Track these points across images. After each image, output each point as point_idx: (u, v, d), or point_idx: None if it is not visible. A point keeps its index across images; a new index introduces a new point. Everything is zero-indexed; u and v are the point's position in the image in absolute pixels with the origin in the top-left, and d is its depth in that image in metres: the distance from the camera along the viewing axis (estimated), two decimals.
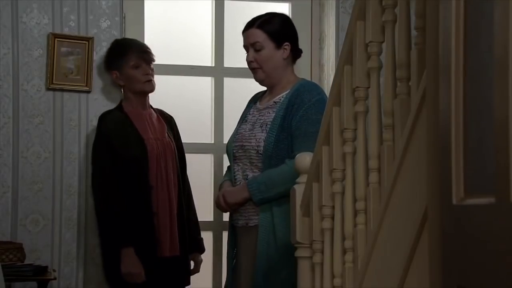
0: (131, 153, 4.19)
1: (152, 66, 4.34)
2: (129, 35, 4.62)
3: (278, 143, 3.65)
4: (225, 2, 4.85)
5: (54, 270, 4.28)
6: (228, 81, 4.84)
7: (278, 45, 3.78)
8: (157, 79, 4.57)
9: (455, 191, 1.86)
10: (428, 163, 2.20)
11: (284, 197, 3.57)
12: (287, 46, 3.81)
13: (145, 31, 4.70)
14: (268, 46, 3.77)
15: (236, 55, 4.86)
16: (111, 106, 4.52)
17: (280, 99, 3.76)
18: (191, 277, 4.41)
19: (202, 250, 4.45)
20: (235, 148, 3.80)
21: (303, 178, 3.42)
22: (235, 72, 4.86)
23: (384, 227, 2.84)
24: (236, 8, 4.88)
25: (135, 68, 4.28)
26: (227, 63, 4.84)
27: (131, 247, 4.10)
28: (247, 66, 4.87)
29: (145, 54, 4.32)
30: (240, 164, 3.78)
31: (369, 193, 2.96)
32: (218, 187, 4.02)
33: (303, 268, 3.39)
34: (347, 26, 3.18)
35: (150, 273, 4.14)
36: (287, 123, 3.66)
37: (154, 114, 4.40)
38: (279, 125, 3.66)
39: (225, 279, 4.64)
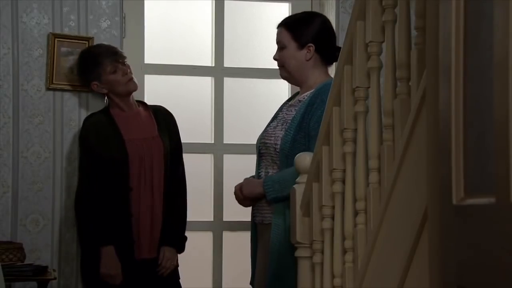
0: (110, 155, 4.16)
1: (126, 63, 4.30)
2: (129, 35, 4.62)
3: (295, 142, 3.65)
4: (225, 2, 4.85)
5: (54, 270, 4.28)
6: (228, 81, 4.85)
7: (301, 46, 3.79)
8: (157, 79, 4.58)
9: (455, 191, 1.86)
10: (428, 163, 2.20)
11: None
12: (311, 47, 3.80)
13: (145, 31, 4.70)
14: (291, 46, 3.79)
15: (236, 55, 4.87)
16: None
17: (304, 98, 3.78)
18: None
19: (177, 247, 4.31)
20: (261, 145, 3.82)
21: (303, 178, 3.43)
22: (235, 72, 4.86)
23: (384, 227, 2.84)
24: (236, 8, 4.88)
25: (113, 72, 4.25)
26: (227, 63, 4.84)
27: (111, 246, 4.09)
28: (247, 66, 4.90)
29: (116, 55, 4.29)
30: (264, 161, 3.80)
31: (369, 193, 2.96)
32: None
33: (303, 268, 3.39)
34: (347, 26, 3.18)
35: (127, 275, 4.12)
36: (305, 123, 3.66)
37: (144, 113, 4.37)
38: (297, 124, 3.67)
39: (224, 279, 4.65)
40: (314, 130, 3.62)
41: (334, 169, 3.19)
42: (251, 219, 3.89)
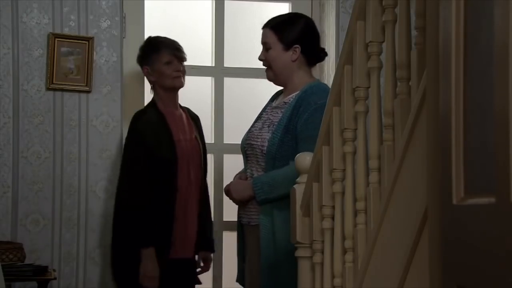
0: (162, 155, 4.17)
1: (183, 64, 4.35)
2: (129, 35, 4.63)
3: (282, 144, 3.66)
4: (225, 2, 4.85)
5: (54, 270, 4.28)
6: (228, 81, 4.85)
7: (287, 47, 3.80)
8: None
9: (455, 191, 1.86)
10: (428, 163, 2.20)
11: (285, 199, 3.59)
12: (296, 48, 3.81)
13: (145, 31, 4.70)
14: (276, 47, 3.81)
15: (236, 55, 4.87)
16: (111, 106, 4.52)
17: (289, 100, 3.78)
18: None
19: (212, 249, 4.46)
20: (246, 146, 3.84)
21: (303, 178, 3.42)
22: (235, 72, 4.86)
23: (384, 227, 2.83)
24: (236, 8, 4.88)
25: (167, 64, 4.28)
26: (227, 63, 4.84)
27: (152, 248, 4.08)
28: (247, 66, 4.89)
29: (177, 51, 4.33)
30: (250, 162, 3.83)
31: (369, 193, 2.96)
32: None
33: (303, 268, 3.39)
34: (347, 26, 3.18)
35: (161, 274, 4.13)
36: (292, 125, 3.67)
37: (184, 114, 4.41)
38: (284, 126, 3.68)
39: (224, 279, 4.66)
40: (301, 132, 3.63)
41: (334, 169, 3.19)
42: (237, 220, 3.91)
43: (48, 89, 4.45)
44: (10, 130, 4.40)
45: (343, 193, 3.19)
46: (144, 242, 4.09)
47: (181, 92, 4.42)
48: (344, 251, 3.13)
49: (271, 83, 4.90)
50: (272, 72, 3.85)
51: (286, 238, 3.55)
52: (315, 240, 3.33)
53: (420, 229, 2.69)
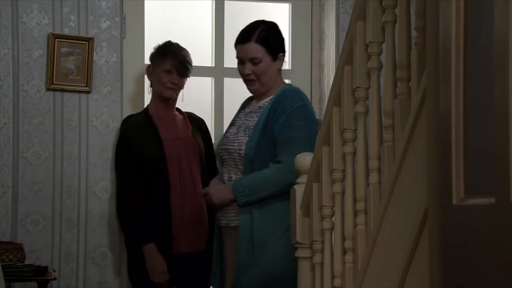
0: (148, 153, 4.27)
1: (184, 80, 4.41)
2: (129, 35, 4.62)
3: (259, 147, 3.70)
4: (225, 2, 4.85)
5: (54, 271, 4.28)
6: (228, 81, 4.85)
7: (275, 57, 3.83)
8: None
9: (455, 191, 1.86)
10: (428, 163, 2.20)
11: (265, 199, 3.63)
12: (281, 56, 3.86)
13: (145, 31, 4.70)
14: (266, 59, 3.82)
15: None
16: (111, 107, 4.52)
17: (264, 104, 3.81)
18: None
19: None
20: (222, 151, 3.88)
21: (303, 178, 3.42)
22: (235, 72, 4.84)
23: (384, 228, 2.83)
24: (236, 9, 4.88)
25: (166, 72, 4.35)
26: (227, 63, 4.84)
27: (152, 243, 4.18)
28: None
29: (180, 65, 4.38)
30: (227, 166, 3.85)
31: (369, 194, 2.96)
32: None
33: (303, 269, 3.39)
34: (347, 27, 3.18)
35: (168, 270, 4.23)
36: (269, 128, 3.71)
37: (180, 116, 4.48)
38: (261, 130, 3.71)
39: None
40: (279, 135, 3.66)
41: (334, 169, 3.19)
42: (216, 222, 3.93)
43: (48, 89, 4.45)
44: (10, 131, 4.40)
45: (343, 194, 3.19)
46: (144, 239, 4.20)
47: (181, 92, 4.43)
48: (344, 252, 3.13)
49: None
50: (259, 84, 3.85)
51: (264, 237, 3.59)
52: (315, 241, 3.33)
53: (420, 230, 2.69)
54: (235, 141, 3.79)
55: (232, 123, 3.97)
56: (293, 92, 3.83)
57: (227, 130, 3.98)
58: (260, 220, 3.67)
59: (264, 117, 3.75)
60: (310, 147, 3.53)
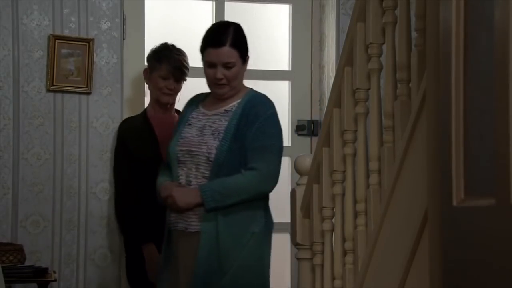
0: (145, 155, 4.27)
1: (181, 84, 4.40)
2: (130, 36, 4.62)
3: (230, 153, 3.58)
4: (226, 3, 4.85)
5: (54, 272, 4.28)
6: None
7: (244, 60, 3.73)
8: None
9: (455, 192, 1.85)
10: (429, 164, 2.20)
11: (231, 207, 3.53)
12: (248, 59, 3.75)
13: (145, 32, 4.70)
14: (238, 63, 3.69)
15: None
16: (111, 108, 4.52)
17: (232, 108, 3.68)
18: None
19: None
20: (180, 152, 3.68)
21: (303, 180, 3.42)
22: None
23: (385, 229, 2.83)
24: (236, 9, 4.88)
25: (162, 78, 4.34)
26: None
27: (151, 244, 4.17)
28: (247, 68, 4.88)
29: (177, 71, 4.36)
30: (185, 168, 3.67)
31: (369, 195, 2.96)
32: (158, 186, 3.79)
33: (304, 270, 3.39)
34: (347, 28, 3.18)
35: None
36: (240, 134, 3.59)
37: (178, 117, 4.42)
38: (232, 135, 3.59)
39: None
40: (253, 142, 3.54)
41: (335, 170, 3.19)
42: (168, 225, 3.72)
43: (48, 90, 4.44)
44: (11, 132, 4.40)
45: (343, 195, 3.19)
46: (143, 239, 4.20)
47: (182, 93, 4.43)
48: (345, 253, 3.13)
49: (271, 83, 4.91)
50: (229, 87, 3.68)
51: (232, 245, 3.49)
52: (315, 242, 3.33)
53: (420, 231, 2.69)
54: (202, 144, 3.62)
55: (186, 122, 3.78)
56: (264, 99, 3.74)
57: (180, 130, 3.76)
58: (226, 227, 3.54)
59: (235, 122, 3.62)
60: (280, 155, 3.55)
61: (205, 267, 3.51)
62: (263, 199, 3.59)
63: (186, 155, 3.65)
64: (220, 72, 3.64)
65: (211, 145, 3.59)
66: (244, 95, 3.71)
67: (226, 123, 3.63)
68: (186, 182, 3.66)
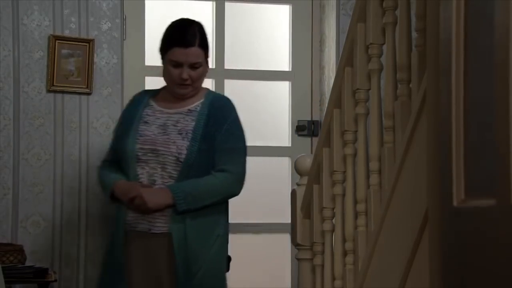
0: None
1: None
2: (130, 36, 4.63)
3: (200, 153, 3.53)
4: (226, 3, 4.85)
5: (54, 272, 4.28)
6: (228, 83, 4.84)
7: (207, 60, 3.69)
8: (158, 80, 4.56)
9: (455, 193, 1.85)
10: (429, 165, 2.20)
11: (199, 209, 3.48)
12: (208, 58, 3.72)
13: (145, 33, 4.70)
14: (204, 63, 3.66)
15: (237, 57, 4.86)
16: (112, 108, 4.52)
17: (196, 108, 3.62)
18: None
19: None
20: (140, 150, 3.57)
21: (303, 180, 3.43)
22: (236, 74, 4.86)
23: (385, 229, 2.84)
24: (236, 10, 4.88)
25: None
26: (227, 65, 4.84)
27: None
28: (247, 68, 4.89)
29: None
30: (147, 168, 3.56)
31: (369, 195, 2.96)
32: (111, 184, 3.61)
33: (304, 270, 3.39)
34: (347, 28, 3.18)
35: None
36: (209, 135, 3.53)
37: None
38: (201, 135, 3.54)
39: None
40: (222, 143, 3.50)
41: (335, 171, 3.19)
42: (124, 226, 3.56)
43: (48, 91, 4.45)
44: (11, 132, 4.40)
45: (343, 195, 3.19)
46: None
47: None
48: (345, 253, 3.13)
49: (271, 84, 4.91)
50: (191, 88, 3.62)
51: (198, 249, 3.43)
52: (315, 242, 3.33)
53: (420, 231, 2.69)
54: (170, 143, 3.54)
55: (142, 120, 3.64)
56: (227, 100, 3.71)
57: (135, 127, 3.62)
58: (194, 230, 3.48)
59: (203, 123, 3.57)
60: (246, 157, 3.56)
61: (183, 273, 3.45)
62: (225, 202, 3.59)
63: (149, 154, 3.53)
64: (186, 73, 3.57)
65: (180, 145, 3.51)
66: (206, 95, 3.66)
67: (193, 123, 3.56)
68: (150, 182, 3.54)
